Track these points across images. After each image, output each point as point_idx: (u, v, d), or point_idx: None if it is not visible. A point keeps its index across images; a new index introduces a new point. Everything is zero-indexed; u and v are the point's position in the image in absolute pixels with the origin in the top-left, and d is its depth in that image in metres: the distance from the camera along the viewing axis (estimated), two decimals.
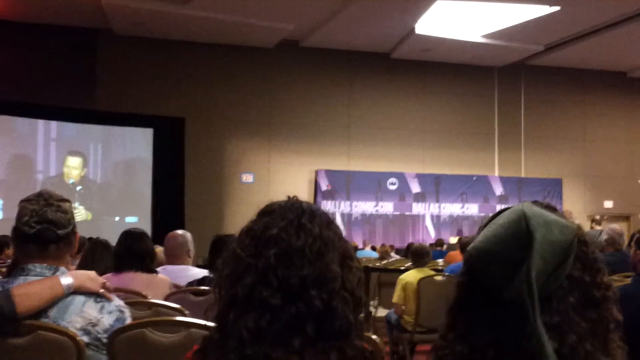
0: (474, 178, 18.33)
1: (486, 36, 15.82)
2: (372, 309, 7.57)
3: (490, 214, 1.49)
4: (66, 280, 2.23)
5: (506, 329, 1.32)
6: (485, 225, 1.44)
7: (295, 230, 1.46)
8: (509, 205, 1.46)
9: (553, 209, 1.43)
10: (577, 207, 17.35)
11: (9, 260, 7.42)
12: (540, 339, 1.23)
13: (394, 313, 6.53)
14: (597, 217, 14.65)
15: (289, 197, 1.57)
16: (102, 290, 2.32)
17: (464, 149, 18.20)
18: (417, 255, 6.60)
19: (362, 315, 1.50)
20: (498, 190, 18.44)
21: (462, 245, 6.52)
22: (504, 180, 18.50)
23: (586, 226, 12.59)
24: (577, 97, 18.95)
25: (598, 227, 11.59)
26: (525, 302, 1.26)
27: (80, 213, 14.07)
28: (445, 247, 13.35)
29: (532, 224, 1.31)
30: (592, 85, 18.88)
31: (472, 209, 18.38)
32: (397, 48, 16.87)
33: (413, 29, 15.35)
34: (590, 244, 1.42)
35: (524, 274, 1.27)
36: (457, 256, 8.06)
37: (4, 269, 6.16)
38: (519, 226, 1.32)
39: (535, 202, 1.42)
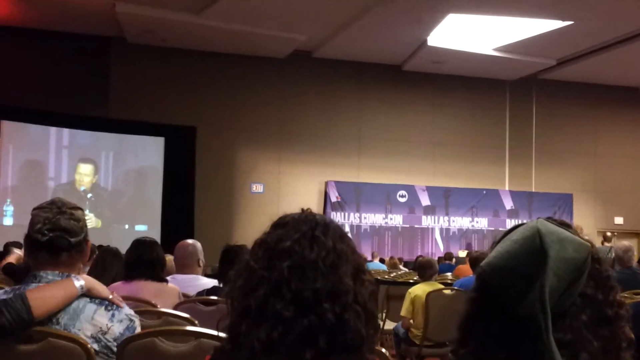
0: (484, 192, 18.27)
1: (498, 49, 15.82)
2: (380, 322, 7.54)
3: (501, 229, 1.49)
4: (79, 282, 2.25)
5: (518, 345, 1.32)
6: (499, 241, 1.44)
7: (308, 242, 1.46)
8: (520, 220, 1.46)
9: (567, 226, 1.42)
10: (587, 223, 17.27)
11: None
12: (553, 356, 1.23)
13: (401, 326, 6.51)
14: (608, 233, 14.56)
15: (302, 209, 1.57)
16: (111, 297, 2.33)
17: (475, 163, 18.16)
18: (422, 268, 6.59)
19: (372, 330, 1.50)
20: (508, 204, 18.38)
21: (472, 259, 6.50)
22: (514, 195, 18.44)
23: (596, 242, 12.51)
24: (588, 112, 18.89)
25: (608, 244, 11.53)
26: (539, 319, 1.26)
27: (90, 220, 14.11)
28: (453, 260, 13.31)
29: (547, 241, 1.31)
30: (603, 101, 18.82)
31: (482, 222, 18.32)
32: (409, 60, 16.88)
33: (425, 41, 15.36)
34: (603, 261, 1.41)
35: (537, 291, 1.27)
36: (466, 270, 8.03)
37: None
38: (533, 243, 1.32)
39: (549, 219, 1.42)
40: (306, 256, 1.43)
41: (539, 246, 1.31)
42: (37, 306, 2.13)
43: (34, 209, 2.39)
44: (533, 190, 18.61)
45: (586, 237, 1.41)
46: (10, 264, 6.65)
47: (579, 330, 1.31)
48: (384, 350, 2.11)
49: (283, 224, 1.52)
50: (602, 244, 12.28)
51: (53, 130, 14.90)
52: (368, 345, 1.45)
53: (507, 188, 18.55)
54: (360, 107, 17.55)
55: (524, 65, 16.87)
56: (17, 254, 6.88)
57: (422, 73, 17.55)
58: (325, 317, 1.39)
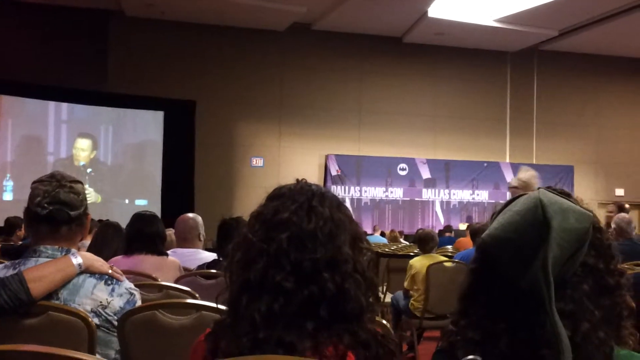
0: (485, 164, 18.26)
1: (499, 20, 15.71)
2: (380, 295, 7.56)
3: (502, 201, 1.48)
4: (77, 259, 2.24)
5: (520, 316, 1.32)
6: (500, 212, 1.43)
7: (306, 213, 1.45)
8: (520, 194, 1.44)
9: (567, 195, 1.41)
10: (588, 195, 17.26)
11: (20, 242, 7.47)
12: (556, 327, 1.22)
13: (400, 298, 6.53)
14: (627, 205, 14.58)
15: (297, 180, 1.56)
16: (110, 271, 2.33)
17: (475, 135, 18.13)
18: (423, 241, 6.60)
19: (373, 299, 1.50)
20: (509, 176, 18.34)
21: (472, 231, 6.49)
22: (515, 167, 18.37)
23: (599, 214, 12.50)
24: (590, 84, 18.81)
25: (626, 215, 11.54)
26: (541, 290, 1.25)
27: (90, 195, 14.11)
28: (453, 233, 13.33)
29: (549, 211, 1.30)
30: (606, 72, 18.73)
31: (483, 195, 18.33)
32: (410, 32, 16.78)
33: (426, 13, 15.25)
34: (604, 231, 1.41)
35: (540, 261, 1.26)
36: (467, 242, 8.04)
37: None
38: (536, 213, 1.31)
39: (549, 188, 1.41)
40: (304, 227, 1.43)
41: (541, 217, 1.30)
42: (35, 286, 2.12)
43: (34, 182, 2.38)
44: (534, 162, 18.59)
45: (587, 207, 1.41)
46: (8, 244, 6.63)
47: (580, 300, 1.30)
48: (384, 321, 2.11)
49: (279, 196, 1.51)
50: (607, 213, 12.27)
51: (52, 104, 14.85)
52: (369, 314, 1.45)
53: (507, 160, 18.54)
54: (360, 80, 17.48)
55: (525, 36, 16.77)
56: None
57: (423, 45, 17.44)
58: (325, 287, 1.39)
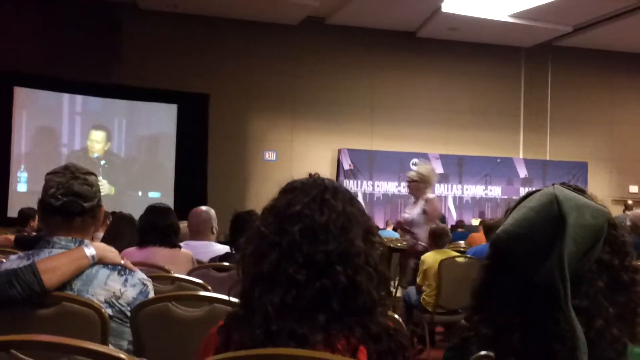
0: (498, 160, 18.19)
1: (514, 15, 15.61)
2: (392, 289, 7.57)
3: (515, 197, 1.48)
4: (90, 251, 2.25)
5: (533, 313, 1.31)
6: (514, 208, 1.43)
7: (318, 206, 1.46)
8: (535, 188, 1.44)
9: (582, 191, 1.41)
10: (602, 192, 17.15)
11: (33, 233, 7.52)
12: (572, 322, 1.22)
13: (413, 293, 6.52)
14: (630, 202, 14.52)
15: (310, 174, 1.57)
16: (123, 262, 2.34)
17: (489, 131, 18.05)
18: (436, 236, 6.59)
19: (385, 292, 1.50)
20: (522, 172, 18.29)
21: (486, 227, 6.46)
22: (529, 163, 18.34)
23: (612, 211, 12.45)
24: (605, 80, 18.67)
25: (629, 213, 11.51)
26: (557, 286, 1.25)
27: (103, 187, 14.16)
28: (464, 228, 13.28)
29: (565, 207, 1.29)
30: (621, 68, 18.58)
31: (496, 191, 18.26)
32: (423, 27, 16.71)
33: (439, 8, 15.18)
34: (619, 227, 1.40)
35: (556, 257, 1.25)
36: (479, 238, 8.02)
37: None
38: (551, 209, 1.31)
39: (564, 184, 1.41)
40: (317, 220, 1.43)
41: (557, 213, 1.29)
42: (48, 278, 2.13)
43: (48, 173, 2.39)
44: (547, 158, 18.51)
45: (601, 203, 1.40)
46: (22, 235, 6.67)
47: (595, 297, 1.30)
48: (396, 316, 2.11)
49: (292, 189, 1.51)
50: (624, 212, 12.25)
51: (66, 96, 14.91)
52: (381, 308, 1.45)
53: (521, 156, 18.45)
54: (373, 75, 17.43)
55: (539, 31, 16.65)
56: None
57: (437, 40, 17.37)
58: (337, 280, 1.39)
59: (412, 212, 7.18)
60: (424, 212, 7.04)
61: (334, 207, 1.46)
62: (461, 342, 1.42)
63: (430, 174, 7.28)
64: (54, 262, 2.19)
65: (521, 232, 1.33)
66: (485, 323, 1.37)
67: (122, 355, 1.50)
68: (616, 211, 12.15)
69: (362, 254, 1.44)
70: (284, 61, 16.64)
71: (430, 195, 7.18)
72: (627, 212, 11.62)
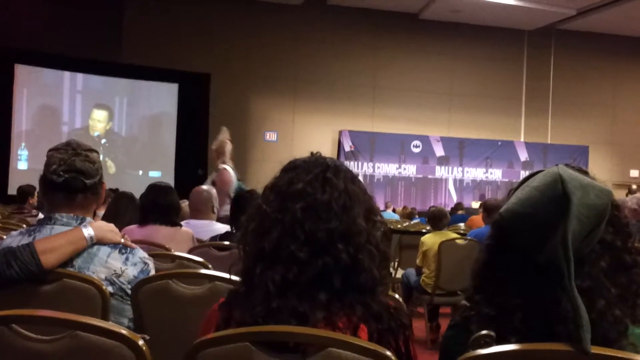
0: (499, 143, 18.18)
1: None
2: (392, 270, 7.59)
3: (515, 180, 1.47)
4: (88, 231, 2.24)
5: (535, 292, 1.31)
6: (517, 187, 1.42)
7: (320, 184, 1.45)
8: (536, 170, 1.43)
9: (585, 172, 1.41)
10: (602, 176, 16.88)
11: (34, 210, 7.53)
12: (575, 302, 1.22)
13: (412, 274, 6.53)
14: (634, 186, 14.52)
15: (312, 152, 1.56)
16: (123, 240, 2.33)
17: (490, 114, 18.02)
18: (435, 218, 6.59)
19: (386, 271, 1.50)
20: (523, 156, 18.28)
21: (487, 207, 6.42)
22: (530, 146, 18.33)
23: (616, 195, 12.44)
24: (608, 64, 18.61)
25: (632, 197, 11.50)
26: (561, 265, 1.24)
27: (104, 166, 14.11)
28: (464, 211, 13.26)
29: (569, 187, 1.29)
30: (623, 52, 18.51)
31: (496, 174, 18.27)
32: (426, 8, 16.63)
33: None
34: (622, 208, 1.40)
35: (560, 237, 1.25)
36: (479, 221, 8.02)
37: (29, 219, 6.26)
38: (555, 189, 1.30)
39: (567, 165, 1.40)
40: (318, 197, 1.43)
41: (561, 192, 1.29)
42: (46, 258, 2.13)
43: (50, 150, 2.38)
44: (549, 142, 18.49)
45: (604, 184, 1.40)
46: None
47: (597, 277, 1.30)
48: (397, 296, 2.11)
49: (293, 168, 1.51)
50: (627, 195, 12.23)
51: (67, 74, 14.87)
52: (382, 287, 1.45)
53: (522, 139, 18.44)
54: (375, 56, 17.38)
55: (543, 15, 16.57)
56: None
57: (439, 22, 17.29)
58: (339, 258, 1.39)
59: (207, 183, 6.72)
60: (213, 183, 6.59)
61: (336, 185, 1.46)
62: (462, 321, 1.43)
63: (222, 144, 6.89)
64: (52, 242, 2.18)
65: (525, 212, 1.33)
66: (486, 302, 1.37)
67: (124, 331, 1.50)
68: (617, 196, 12.09)
69: (364, 232, 1.44)
70: (286, 41, 16.58)
71: (221, 166, 6.73)
72: (631, 196, 11.61)
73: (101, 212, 4.84)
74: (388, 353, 1.32)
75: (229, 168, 6.53)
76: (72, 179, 2.30)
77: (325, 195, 1.44)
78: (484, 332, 1.30)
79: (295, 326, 1.37)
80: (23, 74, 14.30)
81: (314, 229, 1.41)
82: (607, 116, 18.75)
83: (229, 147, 6.75)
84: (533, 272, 1.32)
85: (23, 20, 14.09)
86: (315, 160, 1.53)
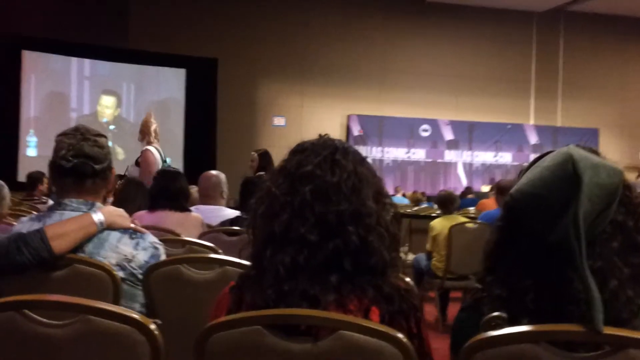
0: (508, 126, 18.11)
1: None
2: (402, 255, 7.57)
3: (525, 164, 1.46)
4: (98, 217, 2.24)
5: (546, 273, 1.31)
6: (528, 168, 1.42)
7: (329, 166, 1.45)
8: (547, 151, 1.43)
9: (596, 153, 1.40)
10: (613, 158, 16.95)
11: (43, 197, 7.55)
12: (586, 281, 1.21)
13: (422, 259, 6.53)
14: None
15: (320, 135, 1.56)
16: (133, 225, 2.34)
17: (499, 97, 17.94)
18: (444, 202, 6.57)
19: (396, 254, 1.50)
20: (532, 139, 18.21)
21: (500, 188, 6.35)
22: (539, 129, 18.26)
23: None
24: (617, 46, 18.46)
25: None
26: (572, 245, 1.24)
27: (113, 152, 14.12)
28: (473, 195, 13.24)
29: (580, 166, 1.28)
30: (633, 34, 18.37)
31: (506, 157, 18.21)
32: None
33: None
34: (633, 189, 1.39)
35: (571, 216, 1.24)
36: (489, 204, 7.99)
37: (39, 205, 6.28)
38: (566, 169, 1.29)
39: (577, 146, 1.39)
40: (328, 179, 1.43)
41: (572, 172, 1.28)
42: (57, 244, 2.13)
43: (58, 135, 2.37)
44: (558, 125, 18.40)
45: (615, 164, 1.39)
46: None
47: (609, 258, 1.29)
48: (407, 279, 2.11)
49: (302, 150, 1.51)
50: (637, 178, 12.19)
51: (74, 60, 14.86)
52: (392, 269, 1.45)
53: (531, 123, 18.36)
54: (384, 40, 17.30)
55: None
56: None
57: (447, 4, 17.20)
58: (349, 240, 1.39)
59: (132, 166, 6.66)
60: (137, 164, 6.52)
61: (345, 167, 1.45)
62: (474, 303, 1.42)
63: (146, 123, 6.73)
64: (63, 228, 2.18)
65: (536, 192, 1.32)
66: (498, 284, 1.37)
67: (135, 315, 1.50)
68: (628, 178, 12.03)
69: (374, 214, 1.44)
70: (294, 26, 16.52)
71: (145, 147, 6.55)
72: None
73: (110, 198, 4.85)
74: (400, 335, 1.32)
75: (151, 148, 6.43)
76: (81, 164, 2.30)
77: (334, 177, 1.43)
78: (495, 313, 1.29)
79: (307, 309, 1.37)
80: (30, 60, 14.30)
81: (323, 211, 1.40)
82: (617, 99, 18.63)
83: (153, 126, 6.66)
84: (544, 252, 1.31)
85: (29, 6, 14.08)
86: (324, 142, 1.53)
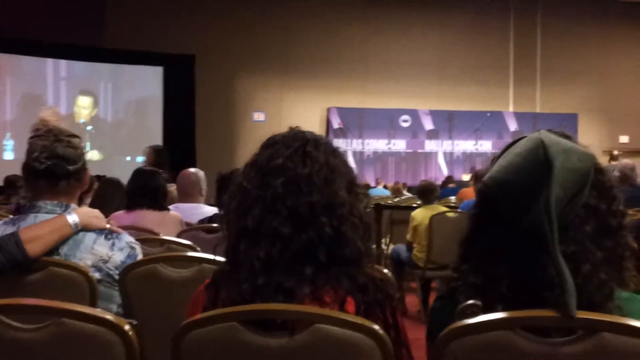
0: (488, 114, 18.17)
1: None
2: (384, 247, 7.60)
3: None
4: (73, 218, 2.23)
5: (521, 259, 1.31)
6: (500, 155, 1.42)
7: (300, 158, 1.45)
8: (519, 137, 1.43)
9: (568, 137, 1.40)
10: (592, 142, 16.66)
11: (21, 201, 7.46)
12: (559, 267, 1.22)
13: (402, 250, 6.55)
14: (615, 152, 14.55)
15: (290, 127, 1.56)
16: (108, 226, 2.32)
17: (479, 85, 17.97)
18: (424, 192, 6.59)
19: (370, 243, 1.50)
20: (512, 126, 18.29)
21: (478, 176, 6.40)
22: (519, 116, 18.32)
23: (602, 162, 12.49)
24: (595, 30, 18.51)
25: (614, 163, 11.51)
26: (544, 231, 1.24)
27: (91, 153, 14.04)
28: (454, 184, 13.30)
29: (551, 151, 1.28)
30: (611, 17, 18.42)
31: (486, 145, 18.28)
32: None
33: None
34: (605, 172, 1.40)
35: (543, 202, 1.25)
36: (469, 193, 8.03)
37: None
38: (537, 154, 1.29)
39: (550, 131, 1.40)
40: (299, 172, 1.43)
41: (543, 157, 1.28)
42: (31, 247, 2.12)
43: (31, 137, 2.36)
44: (538, 111, 18.48)
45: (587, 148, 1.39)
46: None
47: (582, 242, 1.29)
48: (385, 270, 2.11)
49: (273, 143, 1.51)
50: (609, 162, 12.25)
51: (50, 61, 14.71)
52: (367, 259, 1.45)
53: (511, 110, 18.43)
54: (364, 31, 17.26)
55: None
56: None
57: None
58: (323, 231, 1.39)
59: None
60: None
61: (316, 158, 1.45)
62: (449, 291, 1.43)
63: (42, 122, 6.66)
64: (37, 230, 2.17)
65: (507, 178, 1.32)
66: (473, 272, 1.37)
67: (109, 316, 1.49)
68: (606, 162, 12.15)
69: (347, 204, 1.44)
70: (274, 18, 16.46)
71: None
72: (613, 163, 11.63)
73: (88, 199, 4.82)
74: (375, 326, 1.32)
75: None
76: (54, 166, 2.28)
77: (305, 169, 1.43)
78: (470, 301, 1.29)
79: (282, 303, 1.37)
80: (5, 62, 14.14)
81: (296, 204, 1.40)
82: (596, 83, 18.72)
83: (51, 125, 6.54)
84: (518, 239, 1.31)
85: (2, 7, 13.92)
86: (295, 134, 1.53)
